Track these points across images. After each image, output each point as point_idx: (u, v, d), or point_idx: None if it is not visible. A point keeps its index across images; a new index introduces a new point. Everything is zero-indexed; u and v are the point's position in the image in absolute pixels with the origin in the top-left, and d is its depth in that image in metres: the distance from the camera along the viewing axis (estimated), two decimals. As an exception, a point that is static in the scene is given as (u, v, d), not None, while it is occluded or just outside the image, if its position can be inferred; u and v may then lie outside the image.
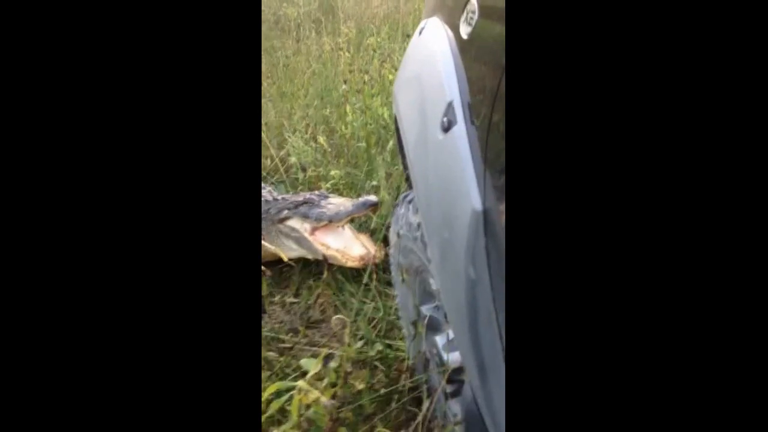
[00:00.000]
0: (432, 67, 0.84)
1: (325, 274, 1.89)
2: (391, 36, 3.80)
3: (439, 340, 1.01)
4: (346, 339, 1.32)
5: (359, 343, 1.47)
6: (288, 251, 1.91)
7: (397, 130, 1.07)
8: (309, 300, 1.85)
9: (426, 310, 1.19)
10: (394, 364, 1.37)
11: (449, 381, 0.97)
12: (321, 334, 1.74)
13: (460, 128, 0.73)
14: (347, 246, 1.86)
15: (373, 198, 1.88)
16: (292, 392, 0.96)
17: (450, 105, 0.75)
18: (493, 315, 0.66)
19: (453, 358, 0.95)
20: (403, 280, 1.19)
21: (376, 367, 1.39)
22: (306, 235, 1.87)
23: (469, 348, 0.71)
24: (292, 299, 1.88)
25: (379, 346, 1.41)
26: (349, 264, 1.82)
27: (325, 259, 1.86)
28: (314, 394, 0.93)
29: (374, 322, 1.65)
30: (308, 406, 0.99)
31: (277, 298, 1.89)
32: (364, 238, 1.91)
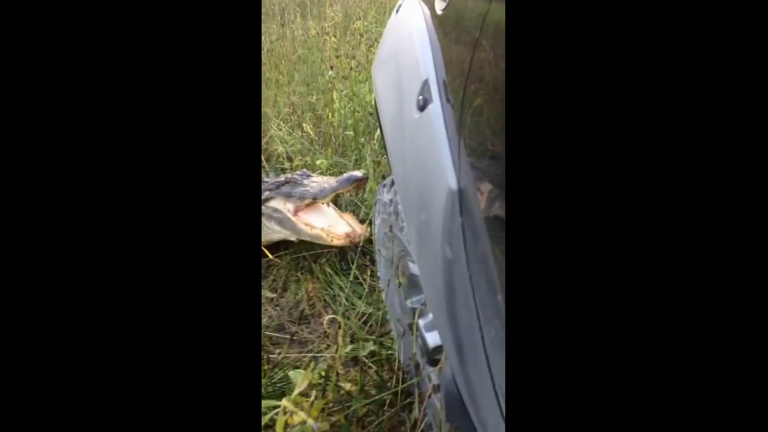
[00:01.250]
0: (408, 45, 0.86)
1: (302, 281, 1.89)
2: (378, 20, 3.81)
3: (422, 321, 1.04)
4: (339, 340, 1.32)
5: (349, 345, 1.47)
6: (270, 233, 1.92)
7: (377, 111, 1.09)
8: (297, 295, 1.87)
9: (413, 303, 1.21)
10: (386, 364, 1.38)
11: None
12: (309, 330, 1.76)
13: (436, 107, 0.75)
14: (332, 225, 1.88)
15: (357, 173, 1.89)
16: (277, 410, 0.96)
17: (426, 83, 0.77)
18: (470, 294, 0.68)
19: (433, 338, 0.97)
20: (399, 284, 1.21)
21: (369, 367, 1.40)
22: (289, 215, 1.88)
23: (447, 328, 0.74)
24: (272, 294, 1.89)
25: (371, 346, 1.42)
26: (335, 242, 1.83)
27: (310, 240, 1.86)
28: (300, 416, 0.93)
29: (364, 317, 1.67)
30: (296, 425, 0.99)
31: (265, 293, 1.90)
32: (349, 217, 1.93)
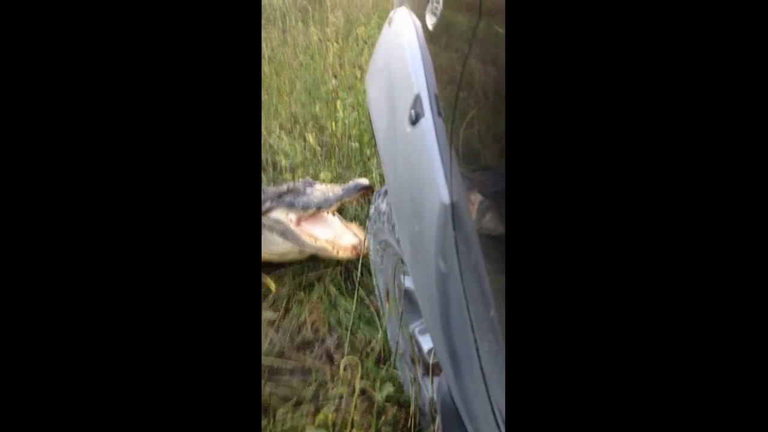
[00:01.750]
0: (400, 59, 0.93)
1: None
2: (381, 25, 3.90)
3: (417, 329, 1.09)
4: (357, 384, 1.32)
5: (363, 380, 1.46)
6: (272, 246, 1.94)
7: (371, 122, 1.16)
8: (300, 317, 1.89)
9: (415, 328, 1.24)
10: (402, 406, 1.37)
11: None
12: (313, 357, 1.77)
13: (428, 121, 0.82)
14: (337, 236, 1.89)
15: (364, 181, 1.90)
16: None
17: (417, 97, 0.84)
18: (465, 306, 0.74)
19: (427, 342, 1.01)
20: (404, 302, 1.24)
21: (385, 411, 1.40)
22: (291, 226, 1.89)
23: (441, 340, 0.80)
24: (273, 315, 1.89)
25: (389, 387, 1.41)
26: (341, 255, 1.84)
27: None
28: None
29: (370, 343, 1.67)
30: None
31: (266, 314, 1.93)
32: (354, 227, 1.94)
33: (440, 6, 0.85)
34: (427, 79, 0.85)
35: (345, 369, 1.54)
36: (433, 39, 0.87)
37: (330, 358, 1.72)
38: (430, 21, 0.88)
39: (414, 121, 0.84)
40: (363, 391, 1.43)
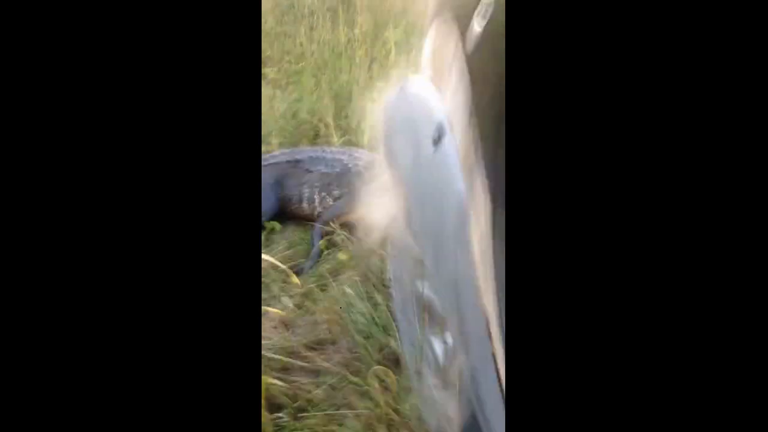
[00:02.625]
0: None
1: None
2: (408, 31, 3.96)
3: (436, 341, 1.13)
4: (380, 399, 1.33)
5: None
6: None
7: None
8: (315, 316, 1.91)
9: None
10: (423, 421, 1.35)
11: None
12: (325, 358, 1.78)
13: (449, 139, 0.88)
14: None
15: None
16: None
17: (441, 122, 0.90)
18: (481, 311, 0.80)
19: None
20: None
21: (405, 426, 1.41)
22: None
23: (458, 330, 0.85)
24: (284, 312, 1.95)
25: (409, 402, 1.39)
26: None
27: None
28: None
29: (383, 350, 1.70)
30: None
31: (279, 311, 1.96)
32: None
33: (491, 8, 0.83)
34: (460, 98, 0.90)
35: (370, 381, 1.55)
36: (478, 47, 0.87)
37: (342, 362, 1.75)
38: (479, 23, 0.87)
39: (437, 141, 0.91)
40: (385, 405, 1.45)
